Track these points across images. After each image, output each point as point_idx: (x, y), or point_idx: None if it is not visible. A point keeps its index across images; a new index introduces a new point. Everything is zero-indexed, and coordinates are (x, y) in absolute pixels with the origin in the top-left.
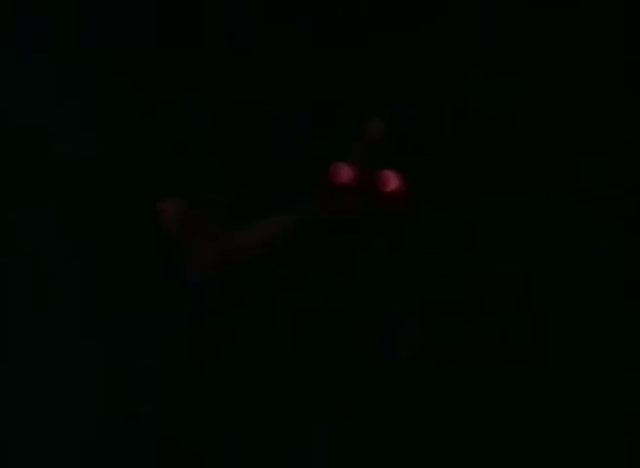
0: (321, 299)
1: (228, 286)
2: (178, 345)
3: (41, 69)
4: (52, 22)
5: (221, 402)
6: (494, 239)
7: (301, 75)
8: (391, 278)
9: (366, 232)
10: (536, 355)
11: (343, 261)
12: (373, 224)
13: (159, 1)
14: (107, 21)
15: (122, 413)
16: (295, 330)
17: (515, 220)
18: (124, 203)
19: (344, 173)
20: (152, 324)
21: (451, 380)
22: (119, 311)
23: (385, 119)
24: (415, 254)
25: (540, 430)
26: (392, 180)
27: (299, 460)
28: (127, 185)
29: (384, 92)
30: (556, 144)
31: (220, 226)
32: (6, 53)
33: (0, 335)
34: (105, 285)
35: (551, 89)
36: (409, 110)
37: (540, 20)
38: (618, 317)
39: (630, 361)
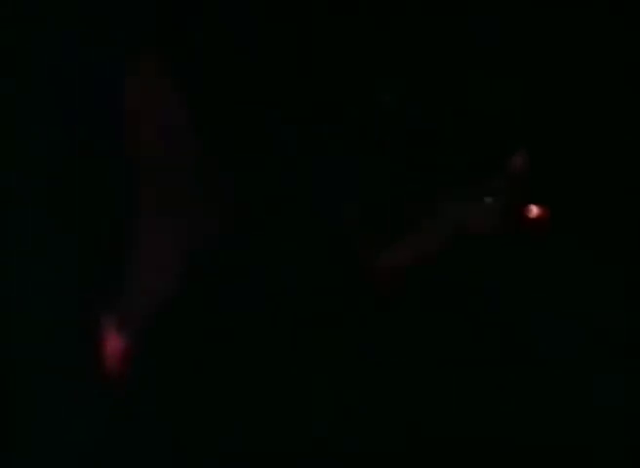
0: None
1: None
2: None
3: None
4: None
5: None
6: None
7: (301, 73)
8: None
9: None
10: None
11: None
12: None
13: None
14: (107, 21)
15: (122, 413)
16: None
17: None
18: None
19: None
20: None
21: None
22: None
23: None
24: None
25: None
26: (534, 209)
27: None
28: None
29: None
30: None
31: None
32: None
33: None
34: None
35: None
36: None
37: (541, 21)
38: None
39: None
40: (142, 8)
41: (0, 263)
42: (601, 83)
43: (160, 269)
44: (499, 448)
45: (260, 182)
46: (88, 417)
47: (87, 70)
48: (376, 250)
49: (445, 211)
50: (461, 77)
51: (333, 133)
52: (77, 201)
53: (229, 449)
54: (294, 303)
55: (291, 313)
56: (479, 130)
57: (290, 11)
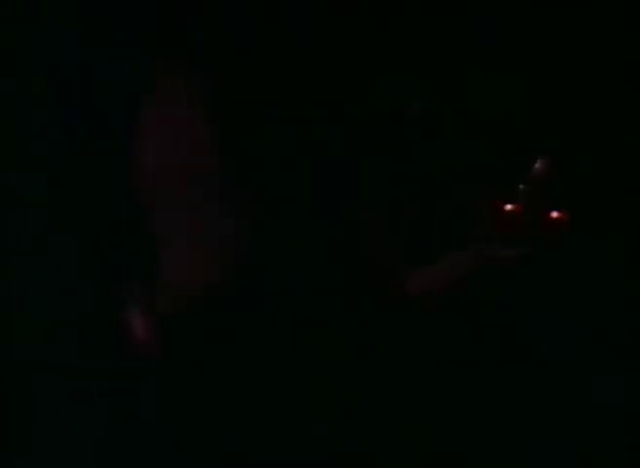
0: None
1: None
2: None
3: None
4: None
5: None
6: None
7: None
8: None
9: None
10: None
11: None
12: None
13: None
14: (107, 21)
15: (122, 413)
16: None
17: None
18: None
19: (509, 210)
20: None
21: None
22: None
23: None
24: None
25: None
26: (555, 214)
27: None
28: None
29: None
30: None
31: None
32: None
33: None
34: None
35: None
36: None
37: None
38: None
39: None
40: (143, 8)
41: (0, 263)
42: (607, 83)
43: (179, 267)
44: (499, 448)
45: (261, 182)
46: (88, 417)
47: (87, 70)
48: (396, 262)
49: (474, 244)
50: (463, 77)
51: (333, 133)
52: (77, 201)
53: (229, 449)
54: (293, 303)
55: (291, 313)
56: (490, 133)
57: (290, 11)
